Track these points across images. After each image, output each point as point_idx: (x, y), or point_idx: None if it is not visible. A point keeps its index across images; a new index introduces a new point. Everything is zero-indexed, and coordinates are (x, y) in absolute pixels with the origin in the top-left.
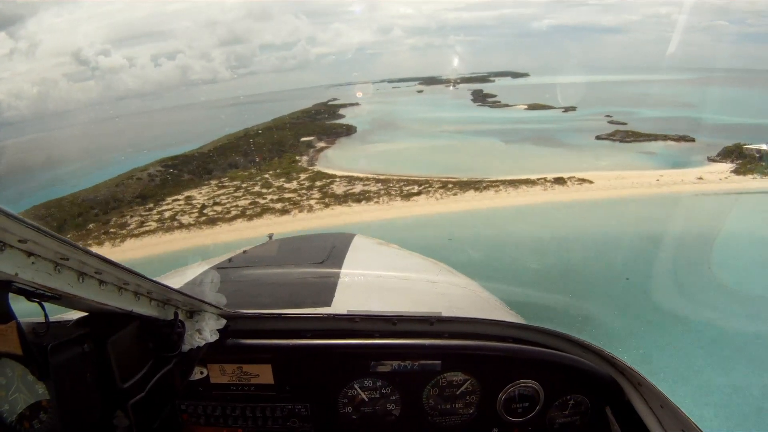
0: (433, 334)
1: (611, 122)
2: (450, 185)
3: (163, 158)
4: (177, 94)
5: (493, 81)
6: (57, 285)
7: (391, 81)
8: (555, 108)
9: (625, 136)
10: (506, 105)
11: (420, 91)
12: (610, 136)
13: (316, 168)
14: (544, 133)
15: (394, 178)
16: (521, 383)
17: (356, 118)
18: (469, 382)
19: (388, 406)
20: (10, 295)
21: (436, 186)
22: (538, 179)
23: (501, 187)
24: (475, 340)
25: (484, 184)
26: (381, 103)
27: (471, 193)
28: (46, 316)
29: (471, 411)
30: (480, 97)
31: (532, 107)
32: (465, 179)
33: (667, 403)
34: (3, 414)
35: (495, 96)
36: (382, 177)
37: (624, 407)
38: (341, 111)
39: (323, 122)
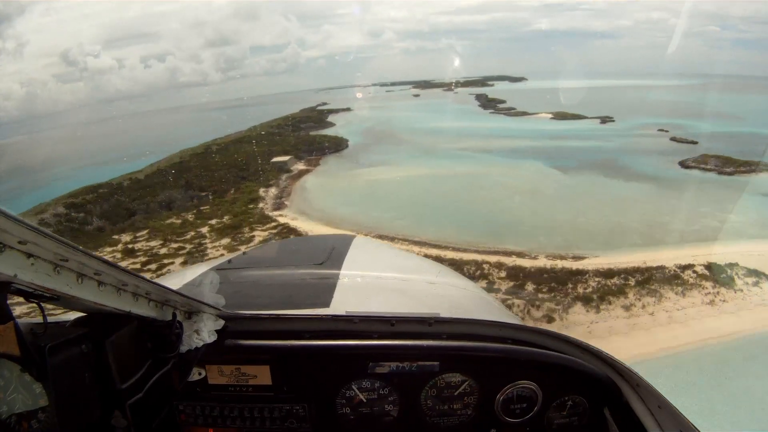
0: (432, 335)
1: (675, 140)
2: (522, 278)
3: (74, 191)
4: (166, 97)
5: (492, 85)
6: (56, 286)
7: (383, 84)
8: (587, 118)
9: (720, 164)
10: (525, 113)
11: (416, 95)
12: (700, 164)
13: (285, 215)
14: (601, 154)
15: (414, 249)
16: (519, 384)
17: (348, 127)
18: (467, 383)
19: (386, 407)
20: (9, 295)
21: (498, 278)
22: (684, 269)
23: (627, 291)
24: (474, 341)
25: (591, 282)
26: (375, 109)
27: (579, 310)
28: (44, 316)
29: (469, 412)
30: (488, 103)
31: (559, 116)
32: (541, 262)
33: (665, 404)
34: (1, 415)
35: (504, 101)
36: (392, 244)
37: (622, 408)
38: (330, 118)
39: (308, 133)
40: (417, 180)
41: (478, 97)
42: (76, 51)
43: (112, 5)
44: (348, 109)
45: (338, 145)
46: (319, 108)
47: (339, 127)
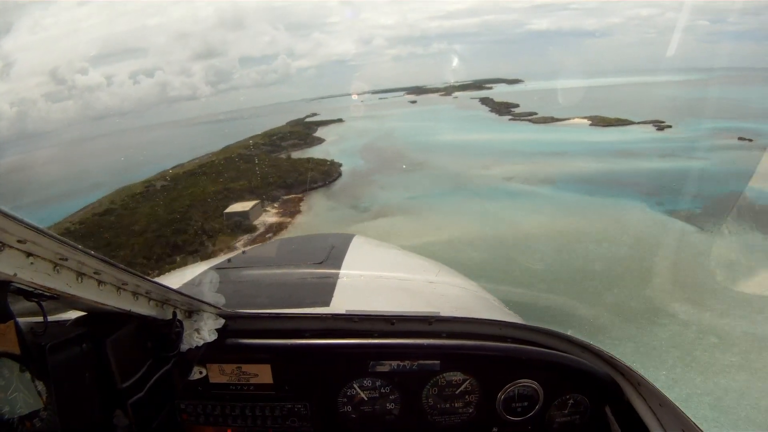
0: (432, 334)
1: None
2: None
3: None
4: (157, 112)
5: (491, 88)
6: (56, 285)
7: (375, 92)
8: (634, 123)
9: None
10: (552, 119)
11: (413, 102)
12: None
13: None
14: (712, 183)
15: None
16: (520, 383)
17: (340, 144)
18: (468, 381)
19: (387, 405)
20: (9, 294)
21: None
22: None
23: None
24: (474, 340)
25: None
26: (371, 119)
27: None
28: (44, 315)
29: (470, 410)
30: (500, 108)
31: (599, 122)
32: None
33: (666, 403)
34: (3, 414)
35: (518, 105)
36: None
37: (623, 407)
38: (319, 131)
39: (289, 154)
40: (472, 254)
41: (484, 101)
42: (65, 69)
43: (99, 21)
44: (340, 120)
45: (327, 173)
46: (308, 120)
47: (329, 143)
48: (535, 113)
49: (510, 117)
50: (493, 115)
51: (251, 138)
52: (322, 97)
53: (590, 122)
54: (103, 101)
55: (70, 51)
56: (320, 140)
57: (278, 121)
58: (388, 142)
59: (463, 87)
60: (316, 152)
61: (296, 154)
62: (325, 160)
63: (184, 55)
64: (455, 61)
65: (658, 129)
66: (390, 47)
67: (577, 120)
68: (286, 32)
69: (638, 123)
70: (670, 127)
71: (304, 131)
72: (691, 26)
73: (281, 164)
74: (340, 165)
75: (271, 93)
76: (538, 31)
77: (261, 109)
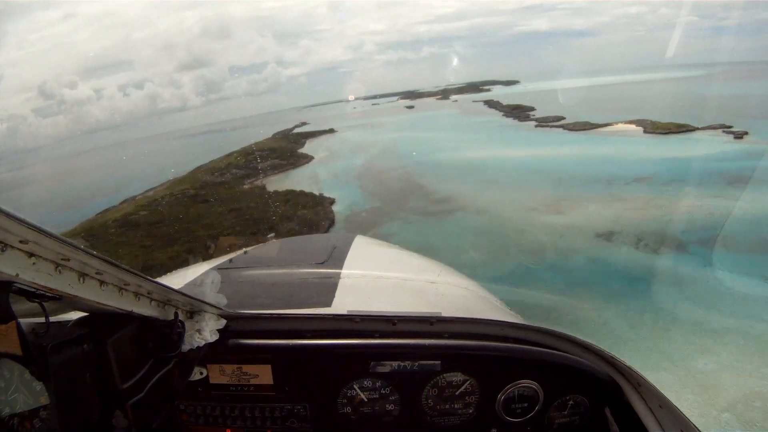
0: (433, 335)
1: None
2: None
3: None
4: (149, 124)
5: (488, 90)
6: (58, 286)
7: (367, 98)
8: (698, 128)
9: None
10: (589, 125)
11: (410, 107)
12: None
13: None
14: None
15: None
16: (520, 383)
17: (331, 164)
18: (468, 382)
19: (387, 406)
20: (11, 295)
21: None
22: None
23: None
24: (475, 341)
25: None
26: (366, 128)
27: None
28: (46, 316)
29: (470, 411)
30: (516, 113)
31: (653, 128)
32: None
33: (666, 404)
34: (4, 415)
35: (534, 109)
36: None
37: (623, 407)
38: (307, 146)
39: (264, 181)
40: None
41: (491, 104)
42: (53, 84)
43: (86, 35)
44: (331, 131)
45: (312, 222)
46: (296, 130)
47: (318, 162)
48: (563, 117)
49: (535, 123)
50: (511, 121)
51: (226, 156)
52: (314, 105)
53: (642, 128)
54: (93, 115)
55: (58, 65)
56: (307, 158)
57: (266, 132)
58: (391, 161)
59: (459, 90)
60: (300, 176)
61: (275, 180)
62: (312, 195)
63: (172, 66)
64: (448, 64)
65: (735, 137)
66: (380, 53)
67: (621, 125)
68: (275, 40)
69: (702, 128)
70: (747, 133)
71: (288, 147)
72: (684, 22)
73: (249, 204)
74: (332, 202)
75: (262, 102)
76: (527, 33)
77: (250, 119)
